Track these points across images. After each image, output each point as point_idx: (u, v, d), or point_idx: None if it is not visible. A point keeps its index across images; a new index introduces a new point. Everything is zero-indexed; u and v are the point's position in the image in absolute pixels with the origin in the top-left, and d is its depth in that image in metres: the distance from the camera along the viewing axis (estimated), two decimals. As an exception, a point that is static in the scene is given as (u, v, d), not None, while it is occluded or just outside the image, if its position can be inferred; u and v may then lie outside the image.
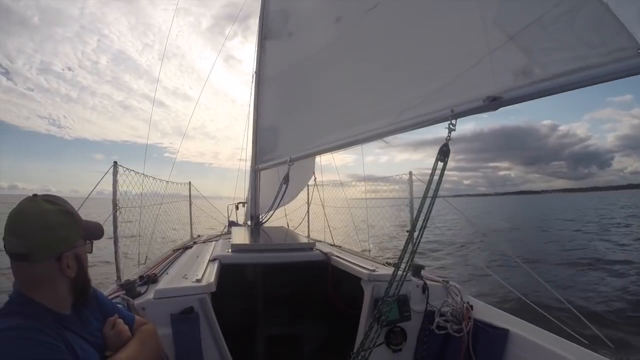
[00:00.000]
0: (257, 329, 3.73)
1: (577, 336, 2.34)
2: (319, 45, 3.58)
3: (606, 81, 1.53)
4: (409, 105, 2.37)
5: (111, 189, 3.60)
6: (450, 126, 1.95)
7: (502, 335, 2.34)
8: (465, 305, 2.58)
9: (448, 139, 1.94)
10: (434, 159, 1.98)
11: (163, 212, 5.40)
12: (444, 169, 1.95)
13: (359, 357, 2.15)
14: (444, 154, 1.95)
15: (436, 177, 1.97)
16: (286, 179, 3.82)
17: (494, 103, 1.82)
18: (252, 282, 3.70)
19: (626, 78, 1.49)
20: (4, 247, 1.20)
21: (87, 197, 3.38)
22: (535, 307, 2.91)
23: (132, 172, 3.97)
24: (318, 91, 3.61)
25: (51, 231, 1.23)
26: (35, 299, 1.21)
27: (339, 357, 2.77)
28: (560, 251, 15.61)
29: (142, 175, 4.27)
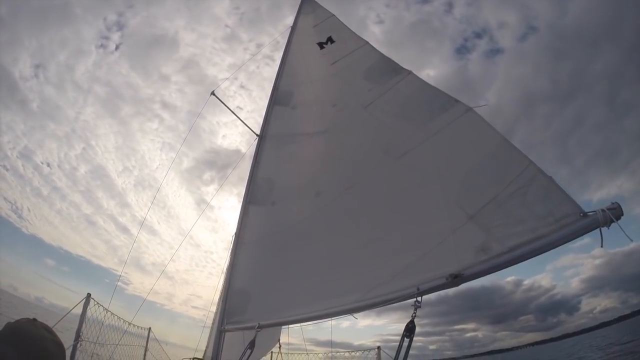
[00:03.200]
0: None
1: None
2: (298, 217, 3.79)
3: (556, 247, 1.69)
4: (378, 282, 2.45)
5: (55, 304, 3.44)
6: (416, 303, 2.02)
7: None
8: None
9: (414, 316, 1.99)
10: (400, 335, 1.99)
11: (117, 353, 5.19)
12: (409, 345, 1.95)
13: None
14: (409, 330, 1.97)
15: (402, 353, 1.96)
16: (252, 345, 3.62)
17: (456, 280, 1.94)
18: None
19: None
20: None
21: (58, 321, 3.29)
22: None
23: (101, 307, 3.99)
24: (293, 261, 3.68)
25: (45, 356, 1.26)
26: None
27: None
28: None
29: (108, 312, 4.25)
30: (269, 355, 6.75)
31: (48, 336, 1.31)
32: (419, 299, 2.04)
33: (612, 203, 1.68)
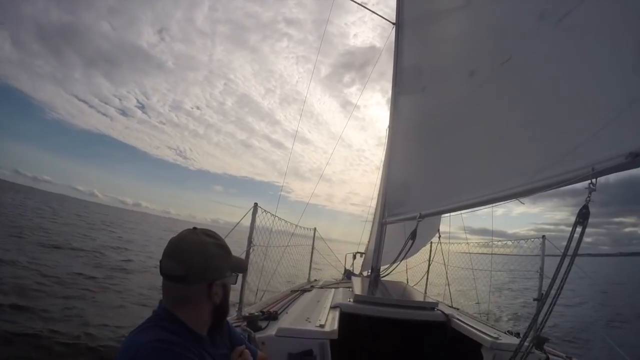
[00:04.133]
0: None
1: None
2: (453, 100, 3.55)
3: None
4: (546, 164, 2.21)
5: (236, 225, 3.88)
6: (591, 186, 1.77)
7: None
8: None
9: (588, 200, 1.76)
10: (569, 216, 1.83)
11: (285, 253, 5.61)
12: (582, 233, 1.76)
13: None
14: (583, 216, 1.76)
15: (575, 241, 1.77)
16: (413, 235, 3.74)
17: (637, 160, 1.62)
18: (368, 333, 3.63)
19: None
20: (161, 268, 1.34)
21: (229, 232, 3.63)
22: None
23: (268, 213, 4.24)
24: (451, 147, 3.53)
25: (208, 260, 1.36)
26: (181, 317, 1.32)
27: None
28: None
29: (275, 217, 4.52)
30: (428, 245, 6.79)
31: (209, 240, 1.39)
32: (593, 180, 1.76)
33: None
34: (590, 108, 2.01)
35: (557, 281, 1.81)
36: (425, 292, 6.57)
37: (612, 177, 1.80)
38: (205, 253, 1.36)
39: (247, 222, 3.87)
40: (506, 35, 2.92)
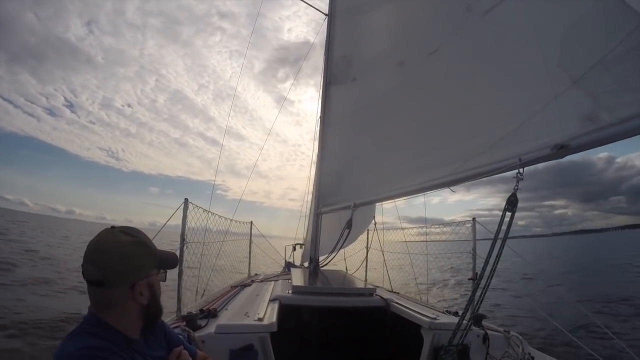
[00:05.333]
0: None
1: None
2: (383, 90, 3.60)
3: None
4: (475, 153, 2.28)
5: (166, 222, 3.76)
6: (518, 175, 1.87)
7: None
8: (526, 356, 2.49)
9: (516, 188, 1.86)
10: (501, 202, 1.92)
11: (223, 250, 5.53)
12: (512, 219, 1.87)
13: None
14: (511, 204, 1.87)
15: (504, 227, 1.89)
16: (349, 224, 3.78)
17: (561, 151, 1.72)
18: (308, 324, 3.65)
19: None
20: (82, 273, 1.27)
21: (159, 230, 3.55)
22: (598, 357, 2.76)
23: (200, 209, 4.12)
24: (382, 136, 3.58)
25: (126, 260, 1.29)
26: (108, 321, 1.26)
27: None
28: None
29: (208, 212, 4.41)
30: (364, 234, 6.92)
31: (126, 239, 1.32)
32: (520, 170, 1.87)
33: None
34: (518, 100, 2.09)
35: (490, 262, 1.91)
36: (366, 279, 6.76)
37: (541, 163, 1.91)
38: (122, 253, 1.30)
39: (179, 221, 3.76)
40: (434, 27, 2.98)
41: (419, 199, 5.54)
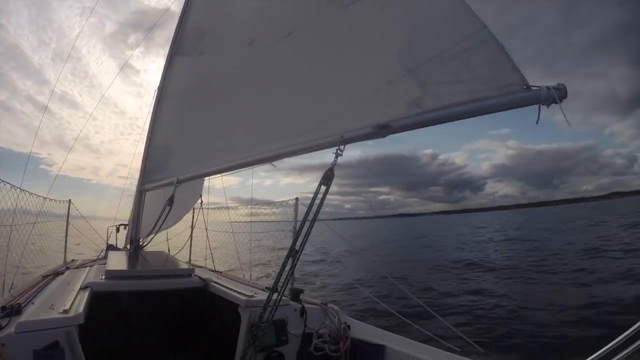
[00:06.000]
0: None
1: (449, 345, 2.55)
2: (230, 67, 3.49)
3: (490, 112, 1.59)
4: (303, 130, 2.33)
5: None
6: (338, 151, 1.94)
7: (378, 351, 2.46)
8: (342, 325, 2.65)
9: (334, 163, 1.93)
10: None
11: (36, 233, 4.96)
12: (326, 192, 1.93)
13: None
14: (327, 177, 1.93)
15: (317, 201, 1.95)
16: (170, 201, 3.61)
17: (382, 130, 1.83)
18: (126, 311, 3.40)
19: (506, 111, 1.60)
20: None
21: None
22: (407, 320, 3.12)
23: (7, 184, 3.64)
24: (218, 112, 3.48)
25: None
26: None
27: None
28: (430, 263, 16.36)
29: (18, 189, 3.87)
30: (190, 213, 6.76)
31: None
32: (341, 147, 1.95)
33: (558, 84, 1.54)
34: (353, 85, 2.22)
35: (303, 232, 1.97)
36: (190, 260, 6.64)
37: (371, 154, 2.02)
38: None
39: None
40: (293, 12, 3.00)
41: (251, 180, 5.59)
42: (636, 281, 9.76)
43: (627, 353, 1.12)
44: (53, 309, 2.32)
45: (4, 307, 2.32)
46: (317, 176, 1.97)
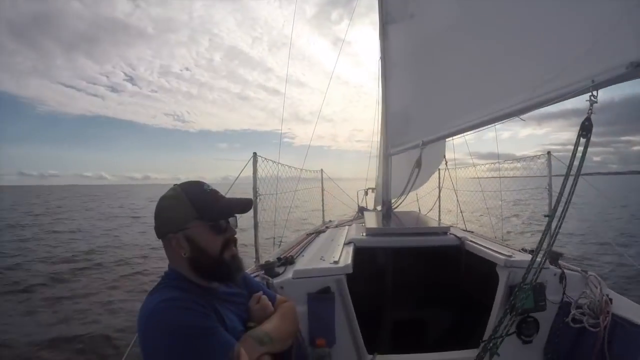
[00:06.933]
0: (385, 313, 3.74)
1: None
2: (443, 24, 3.46)
3: None
4: (545, 79, 2.20)
5: (237, 178, 3.91)
6: (592, 98, 1.80)
7: None
8: (604, 298, 2.36)
9: (590, 112, 1.80)
10: (575, 136, 1.83)
11: (296, 198, 5.64)
12: (586, 146, 1.80)
13: (490, 345, 2.06)
14: (586, 129, 1.81)
15: (579, 155, 1.82)
16: (419, 163, 3.74)
17: (638, 69, 1.61)
18: (384, 265, 3.71)
19: None
20: None
21: (231, 185, 3.69)
22: None
23: (269, 161, 4.25)
24: (446, 71, 3.47)
25: (158, 214, 1.41)
26: (181, 272, 1.39)
27: (464, 344, 2.70)
28: None
29: (278, 164, 4.55)
30: (436, 174, 6.78)
31: (168, 194, 1.43)
32: (594, 93, 1.79)
33: None
34: (586, 18, 1.97)
35: (565, 196, 1.86)
36: (439, 219, 6.66)
37: (617, 94, 1.83)
38: (158, 207, 1.42)
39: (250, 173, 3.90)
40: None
41: (490, 134, 5.36)
42: None
43: None
44: (323, 260, 2.71)
45: (279, 258, 2.88)
46: (557, 126, 1.83)
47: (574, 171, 1.84)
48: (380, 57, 4.89)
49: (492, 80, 2.81)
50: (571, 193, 1.86)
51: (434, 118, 3.74)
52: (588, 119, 1.81)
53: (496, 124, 2.88)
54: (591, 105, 1.80)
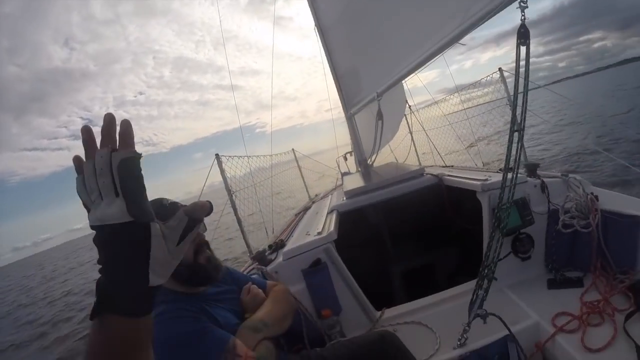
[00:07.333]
0: (389, 268, 3.77)
1: None
2: None
3: None
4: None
5: (204, 185, 3.86)
6: (521, 4, 1.73)
7: (634, 222, 2.10)
8: (589, 196, 2.34)
9: (523, 18, 1.77)
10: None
11: (275, 185, 5.69)
12: (528, 52, 1.79)
13: (485, 272, 2.02)
14: (523, 35, 1.79)
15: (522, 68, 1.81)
16: (380, 115, 3.72)
17: None
18: (372, 223, 3.71)
19: None
20: None
21: (200, 194, 3.72)
22: None
23: (234, 157, 4.24)
24: (379, 19, 3.44)
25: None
26: (165, 286, 1.37)
27: (473, 276, 2.67)
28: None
29: (245, 157, 4.55)
30: (404, 121, 6.70)
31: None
32: None
33: None
34: None
35: (520, 103, 1.87)
36: (419, 162, 6.72)
37: None
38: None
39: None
40: None
41: (452, 67, 5.31)
42: None
43: None
44: (309, 234, 2.73)
45: (270, 246, 2.92)
46: (515, 40, 1.82)
47: (522, 83, 1.85)
48: (315, 25, 4.84)
49: (425, 15, 2.78)
50: (524, 102, 1.87)
51: (380, 67, 3.70)
52: (523, 25, 1.79)
53: (438, 55, 2.80)
54: (522, 11, 1.76)
